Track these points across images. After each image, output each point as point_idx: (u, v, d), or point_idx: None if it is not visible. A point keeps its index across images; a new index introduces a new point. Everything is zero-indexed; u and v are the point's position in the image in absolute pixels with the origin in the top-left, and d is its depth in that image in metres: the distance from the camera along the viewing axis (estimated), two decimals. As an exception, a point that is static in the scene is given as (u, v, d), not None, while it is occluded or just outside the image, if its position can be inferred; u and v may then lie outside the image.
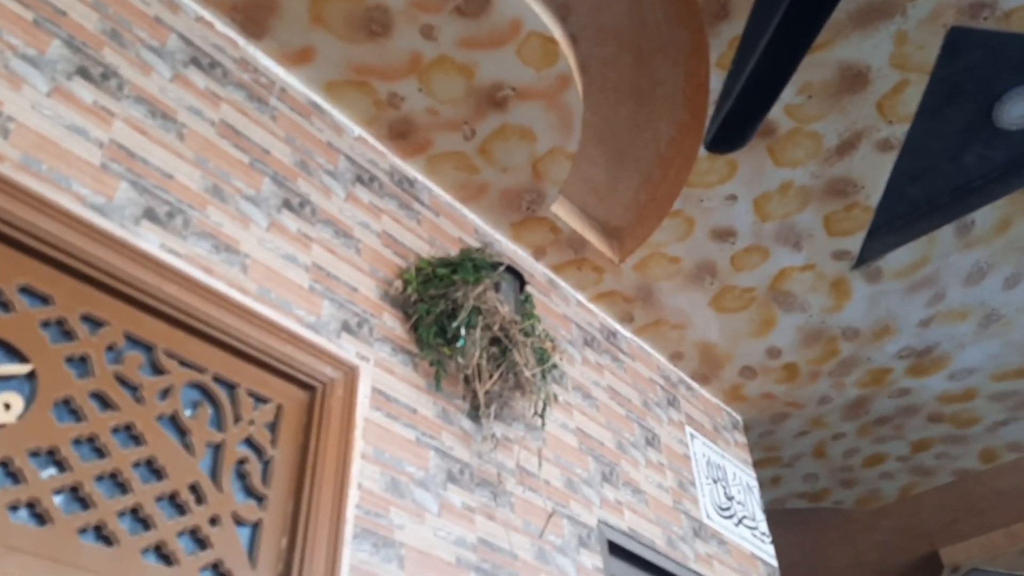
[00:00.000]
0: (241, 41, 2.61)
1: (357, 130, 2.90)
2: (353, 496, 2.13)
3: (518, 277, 2.86)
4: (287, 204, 2.45)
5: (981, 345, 4.10)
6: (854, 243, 3.50)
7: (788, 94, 2.92)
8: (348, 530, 2.06)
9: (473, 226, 3.25)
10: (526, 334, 2.70)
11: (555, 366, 2.89)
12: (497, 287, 2.73)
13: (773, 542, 6.16)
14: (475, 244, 3.11)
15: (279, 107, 2.62)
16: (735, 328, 3.93)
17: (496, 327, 2.60)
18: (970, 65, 2.99)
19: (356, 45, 2.67)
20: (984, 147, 3.30)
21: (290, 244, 2.38)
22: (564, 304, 3.55)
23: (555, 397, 3.02)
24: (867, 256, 3.59)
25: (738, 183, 3.23)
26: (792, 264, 3.60)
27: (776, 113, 2.98)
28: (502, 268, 2.73)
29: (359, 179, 2.79)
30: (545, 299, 3.44)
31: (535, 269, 3.49)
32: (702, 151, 3.09)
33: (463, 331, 2.51)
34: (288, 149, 2.56)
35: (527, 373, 2.58)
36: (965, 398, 4.49)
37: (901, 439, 4.85)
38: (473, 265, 2.70)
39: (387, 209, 2.84)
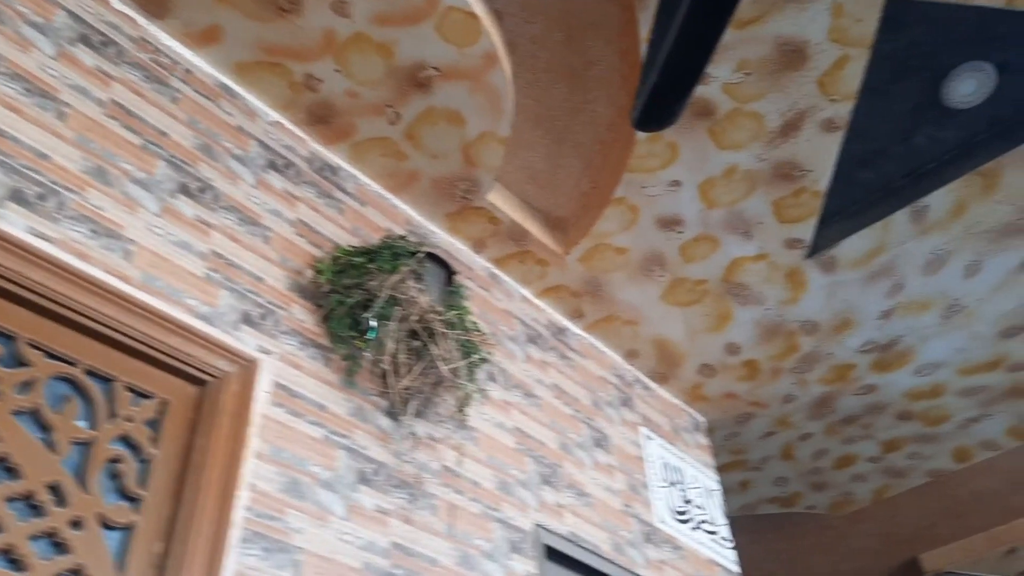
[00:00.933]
0: (141, 20, 2.47)
1: (273, 114, 2.76)
2: (243, 498, 1.97)
3: (444, 266, 2.72)
4: (184, 189, 2.30)
5: (946, 338, 3.96)
6: (806, 231, 3.36)
7: (725, 72, 2.79)
8: (234, 534, 1.90)
9: (405, 217, 3.10)
10: (450, 326, 2.55)
11: (484, 360, 2.74)
12: (419, 277, 2.58)
13: (746, 550, 6.00)
14: (404, 234, 2.95)
15: (182, 89, 2.47)
16: (690, 323, 3.78)
17: (414, 318, 2.45)
18: (914, 40, 2.87)
19: (265, 24, 2.53)
20: (934, 127, 3.17)
21: (185, 230, 2.23)
22: (507, 299, 3.40)
23: (482, 393, 2.86)
24: (821, 244, 3.45)
25: (681, 168, 3.09)
26: (744, 254, 3.46)
27: (714, 92, 2.85)
28: (421, 254, 2.58)
29: (272, 165, 2.65)
30: (486, 294, 3.29)
31: (474, 263, 3.34)
32: (641, 134, 2.95)
33: (374, 322, 2.35)
34: (190, 132, 2.42)
35: (444, 368, 2.42)
36: (933, 394, 4.35)
37: (871, 439, 4.69)
38: (392, 253, 2.56)
39: (304, 197, 2.69)
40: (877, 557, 6.20)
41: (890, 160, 3.27)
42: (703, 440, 4.25)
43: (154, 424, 1.98)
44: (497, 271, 3.43)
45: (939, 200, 3.28)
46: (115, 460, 1.86)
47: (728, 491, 5.06)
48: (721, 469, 4.81)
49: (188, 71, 2.53)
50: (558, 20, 2.78)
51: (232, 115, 2.60)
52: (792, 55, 2.77)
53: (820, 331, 3.86)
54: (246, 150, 2.58)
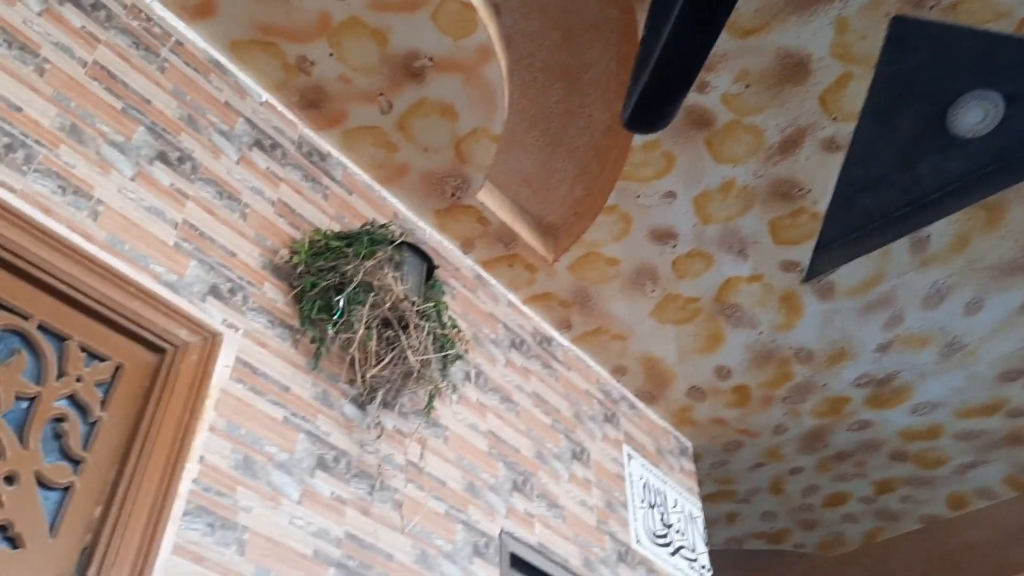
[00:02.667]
0: (137, -11, 2.46)
1: (265, 95, 2.73)
2: (191, 470, 1.90)
3: (425, 259, 2.66)
4: (163, 157, 2.27)
5: (944, 377, 3.86)
6: (803, 253, 3.29)
7: (724, 81, 2.75)
8: (178, 506, 1.84)
9: (393, 209, 3.06)
10: (424, 318, 2.49)
11: (459, 357, 2.67)
12: (398, 266, 2.53)
13: (733, 587, 5.85)
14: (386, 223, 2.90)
15: (171, 59, 2.45)
16: (681, 342, 3.70)
17: (387, 306, 2.39)
18: (920, 64, 2.82)
19: (261, 2, 2.51)
20: (939, 156, 3.11)
21: (159, 197, 2.19)
22: (492, 303, 3.34)
23: (454, 390, 2.79)
24: (817, 269, 3.37)
25: (676, 179, 3.04)
26: (738, 274, 3.39)
27: (712, 102, 2.80)
28: (398, 243, 2.53)
29: (258, 144, 2.61)
30: (471, 295, 3.23)
31: (462, 263, 3.29)
32: (636, 140, 2.91)
33: (342, 303, 2.30)
34: (175, 102, 2.39)
35: (413, 359, 2.36)
36: (930, 435, 4.24)
37: (863, 478, 4.57)
38: (370, 239, 2.51)
39: (288, 179, 2.66)
40: (867, 606, 6.04)
41: (892, 187, 3.21)
42: (688, 465, 4.15)
43: (106, 387, 1.92)
44: (484, 273, 3.38)
45: (941, 231, 3.21)
46: (60, 419, 1.80)
47: (714, 522, 4.94)
48: (707, 499, 4.70)
49: (179, 43, 2.51)
50: (557, 19, 2.76)
51: (221, 91, 2.58)
52: (794, 68, 2.72)
53: (814, 360, 3.77)
54: (232, 126, 2.55)
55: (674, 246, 3.28)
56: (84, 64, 2.18)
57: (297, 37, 2.60)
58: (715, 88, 2.76)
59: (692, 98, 2.75)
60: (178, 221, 2.21)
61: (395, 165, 2.96)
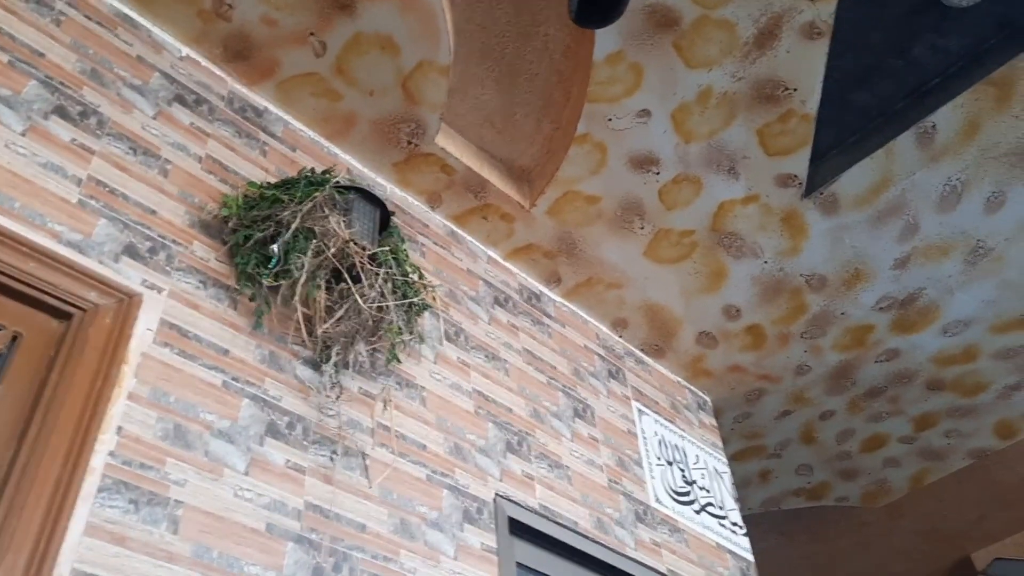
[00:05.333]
0: (24, -58, 2.24)
1: (184, 49, 2.50)
2: (106, 442, 1.66)
3: (378, 205, 2.41)
4: (61, 111, 2.03)
5: (972, 289, 3.54)
6: (798, 164, 3.01)
7: (684, -30, 2.49)
8: (91, 481, 1.59)
9: (345, 166, 2.81)
10: (377, 263, 2.24)
11: (426, 307, 2.41)
12: (345, 212, 2.27)
13: (776, 554, 5.52)
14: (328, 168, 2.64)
15: (68, 12, 2.22)
16: (681, 283, 3.41)
17: (332, 252, 2.13)
18: (900, -76, 2.55)
19: (161, -60, 2.29)
20: (935, 34, 2.82)
21: (57, 153, 1.96)
22: (470, 260, 3.08)
23: (421, 342, 2.52)
24: (817, 181, 3.09)
25: (648, 93, 2.77)
26: (732, 196, 3.11)
27: (674, -3, 2.54)
28: (344, 185, 2.28)
29: (180, 99, 2.38)
30: (444, 252, 2.98)
31: (431, 219, 3.03)
32: (598, 53, 2.64)
33: (276, 249, 2.05)
34: (74, 56, 2.16)
35: (365, 307, 2.10)
36: (966, 358, 3.90)
37: (900, 415, 4.24)
38: (308, 182, 2.26)
39: (217, 134, 2.42)
40: (925, 558, 5.66)
41: (887, 76, 2.92)
42: (708, 419, 3.86)
43: (1, 359, 1.68)
44: (457, 229, 3.12)
45: (947, 119, 2.91)
46: (-58, 396, 1.56)
47: (747, 484, 4.62)
48: (735, 458, 4.39)
49: (78, -4, 2.28)
50: (492, -74, 2.51)
51: (132, 44, 2.34)
52: (758, -55, 2.45)
53: (829, 286, 3.47)
54: (146, 81, 2.31)
55: (657, 173, 3.00)
56: (-41, 16, 1.96)
57: (208, -23, 2.37)
58: (674, -20, 2.50)
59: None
60: (82, 177, 1.97)
61: (340, 115, 2.72)
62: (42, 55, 2.08)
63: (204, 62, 2.54)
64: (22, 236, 1.77)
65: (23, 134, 1.92)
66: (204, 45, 2.51)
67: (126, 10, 2.39)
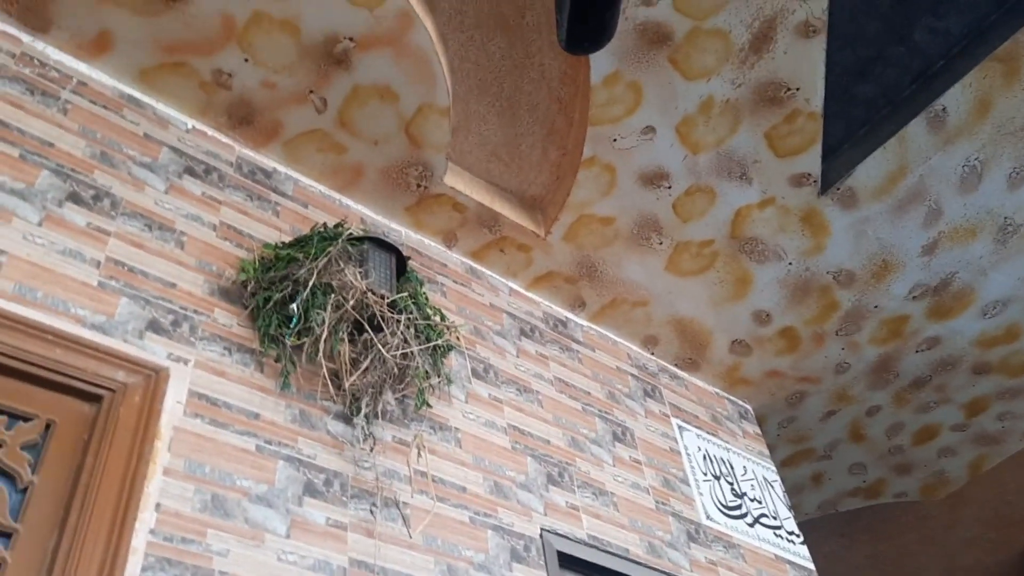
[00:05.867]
0: (25, 37, 2.30)
1: (190, 122, 2.55)
2: (147, 520, 1.67)
3: (392, 251, 2.42)
4: (74, 197, 2.08)
5: (1006, 267, 3.45)
6: (811, 162, 2.97)
7: (670, -15, 2.49)
8: (135, 561, 1.59)
9: (358, 216, 2.84)
10: (398, 311, 2.24)
11: (450, 348, 2.41)
12: (361, 262, 2.29)
13: (841, 557, 5.38)
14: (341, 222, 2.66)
15: (73, 100, 2.28)
16: (706, 294, 3.38)
17: (351, 305, 2.14)
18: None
19: (155, 19, 2.34)
20: (932, 17, 2.79)
21: (74, 239, 1.99)
22: (491, 294, 3.08)
23: (450, 383, 2.51)
24: (832, 177, 3.05)
25: (649, 110, 2.76)
26: (747, 201, 3.08)
27: (664, 13, 2.53)
28: (357, 236, 2.29)
29: (190, 171, 2.42)
30: (465, 289, 2.98)
31: (449, 259, 3.04)
32: (595, 77, 2.65)
33: (296, 308, 2.06)
34: (83, 142, 2.21)
35: (390, 357, 2.10)
36: (1009, 337, 3.80)
37: (949, 403, 4.13)
38: (320, 237, 2.28)
39: (229, 200, 2.45)
40: (992, 546, 5.49)
41: (890, 65, 2.89)
42: (752, 428, 3.79)
43: (37, 449, 1.70)
44: (476, 265, 3.12)
45: (957, 100, 2.87)
46: (-18, 492, 1.58)
47: (799, 489, 4.53)
48: (785, 464, 4.31)
49: (82, 83, 2.34)
50: (476, -35, 2.54)
51: (138, 124, 2.39)
52: (742, -48, 2.45)
53: (858, 281, 3.41)
54: (155, 157, 2.36)
55: (669, 187, 2.99)
56: (-31, 117, 2.01)
57: (205, 49, 2.42)
58: (662, -4, 2.50)
59: (641, 13, 2.49)
60: (100, 260, 2.01)
61: (348, 167, 2.75)
62: (51, 145, 2.14)
63: (210, 131, 2.59)
64: (46, 325, 1.80)
65: (40, 224, 1.96)
66: (209, 115, 2.55)
67: (130, 91, 2.45)
